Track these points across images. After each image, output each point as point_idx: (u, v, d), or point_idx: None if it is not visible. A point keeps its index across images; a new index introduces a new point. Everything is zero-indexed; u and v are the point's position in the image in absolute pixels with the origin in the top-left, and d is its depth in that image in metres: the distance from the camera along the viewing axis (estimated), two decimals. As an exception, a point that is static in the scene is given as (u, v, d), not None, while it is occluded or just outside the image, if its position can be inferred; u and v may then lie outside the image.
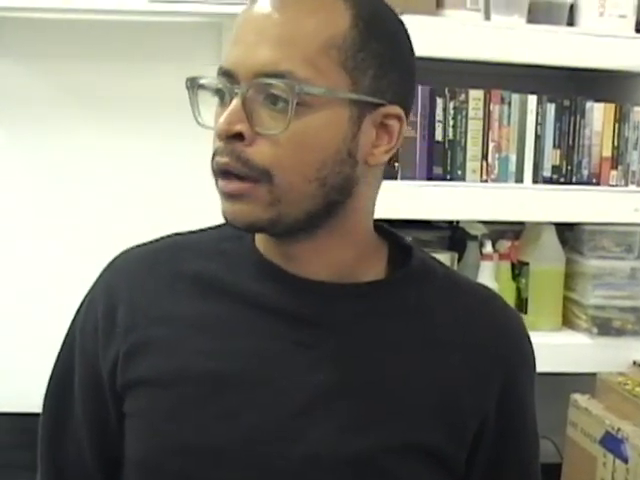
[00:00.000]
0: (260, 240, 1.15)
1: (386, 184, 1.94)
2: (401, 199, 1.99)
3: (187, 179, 2.19)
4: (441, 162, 2.02)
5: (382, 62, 1.07)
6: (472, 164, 2.03)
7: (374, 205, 1.18)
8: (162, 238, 1.23)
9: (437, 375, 1.12)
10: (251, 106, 1.03)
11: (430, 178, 2.02)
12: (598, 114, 2.08)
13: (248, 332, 1.11)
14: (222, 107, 1.06)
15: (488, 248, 2.11)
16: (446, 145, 2.02)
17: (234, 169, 1.04)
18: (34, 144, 2.22)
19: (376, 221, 1.20)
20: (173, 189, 2.25)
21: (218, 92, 1.07)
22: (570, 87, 2.21)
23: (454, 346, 1.14)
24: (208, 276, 1.15)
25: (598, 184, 2.10)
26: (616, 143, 2.09)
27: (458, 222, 2.25)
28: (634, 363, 2.09)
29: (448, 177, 2.03)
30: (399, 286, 1.15)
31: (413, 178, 2.01)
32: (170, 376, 1.10)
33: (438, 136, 2.01)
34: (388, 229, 1.23)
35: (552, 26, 2.06)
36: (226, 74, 1.05)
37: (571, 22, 2.11)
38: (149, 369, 1.11)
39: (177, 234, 1.23)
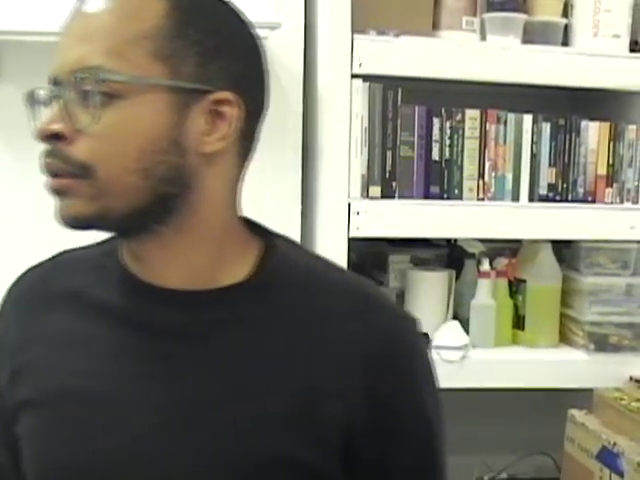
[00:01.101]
0: (124, 251, 1.14)
1: (384, 203, 2.01)
2: (399, 218, 2.02)
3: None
4: (438, 181, 2.05)
5: (205, 49, 1.06)
6: (469, 183, 2.06)
7: (234, 199, 1.15)
8: (54, 256, 1.24)
9: (300, 380, 1.08)
10: (71, 106, 1.04)
11: (427, 197, 2.04)
12: (593, 132, 2.11)
13: (113, 349, 1.11)
14: None
15: (485, 266, 2.14)
16: (443, 164, 2.05)
17: (56, 168, 1.05)
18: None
19: (251, 221, 1.19)
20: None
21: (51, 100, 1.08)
22: (565, 106, 2.23)
23: (317, 347, 1.10)
24: (83, 293, 1.15)
25: (594, 202, 2.12)
26: (611, 161, 2.12)
27: (456, 240, 2.27)
28: (630, 379, 2.10)
29: (445, 196, 2.05)
30: (259, 288, 1.12)
31: (410, 197, 2.03)
32: (47, 396, 1.11)
33: (435, 155, 2.04)
34: (261, 226, 1.20)
35: (547, 46, 2.08)
36: (53, 81, 1.07)
37: (566, 42, 2.13)
38: (31, 390, 1.13)
39: (67, 251, 1.24)
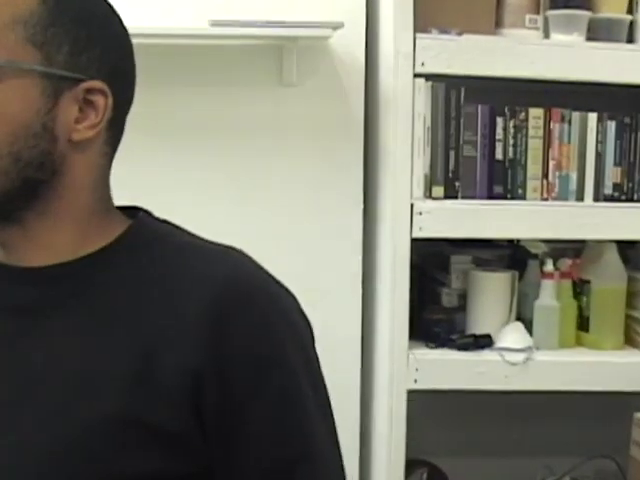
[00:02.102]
0: None
1: (447, 203, 1.99)
2: (462, 218, 2.00)
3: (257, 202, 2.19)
4: (502, 181, 2.03)
5: (77, 39, 1.07)
6: (533, 183, 2.04)
7: (102, 184, 1.13)
8: None
9: (134, 341, 1.05)
10: None
11: (491, 197, 2.03)
12: (659, 131, 2.08)
13: None
14: None
15: (549, 266, 2.11)
16: (506, 164, 2.03)
17: None
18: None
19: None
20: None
21: None
22: (631, 104, 2.20)
23: (161, 304, 1.07)
24: None
25: (660, 201, 2.09)
26: (678, 160, 2.08)
27: (519, 241, 2.24)
28: (698, 381, 2.07)
29: (509, 196, 2.03)
30: (110, 257, 1.11)
31: (474, 197, 2.02)
32: None
33: (498, 155, 2.02)
34: (146, 213, 1.17)
35: (612, 43, 2.05)
36: None
37: (631, 39, 2.10)
38: None
39: None
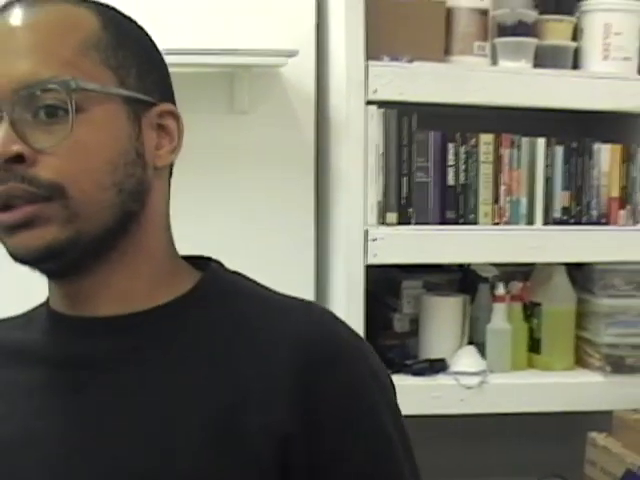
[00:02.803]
0: (53, 293, 1.08)
1: (401, 229, 2.00)
2: (416, 244, 2.01)
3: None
4: (454, 206, 2.05)
5: (142, 61, 1.04)
6: (484, 207, 2.06)
7: (169, 224, 1.10)
8: None
9: (217, 396, 0.99)
10: (22, 126, 0.96)
11: (443, 222, 2.04)
12: (605, 155, 2.12)
13: (31, 390, 1.04)
14: None
15: (500, 290, 2.13)
16: (458, 189, 2.05)
17: (20, 192, 0.95)
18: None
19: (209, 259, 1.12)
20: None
21: None
22: (577, 129, 2.24)
23: (242, 362, 1.01)
24: (9, 343, 1.09)
25: (607, 224, 2.13)
26: (624, 183, 2.13)
27: (469, 264, 2.27)
28: (648, 400, 2.11)
29: (461, 221, 2.05)
30: (184, 309, 1.05)
31: (427, 223, 2.03)
32: None
33: (450, 180, 2.04)
34: (207, 260, 1.12)
35: (558, 70, 2.09)
36: None
37: (576, 65, 2.15)
38: None
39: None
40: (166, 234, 1.08)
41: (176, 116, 1.06)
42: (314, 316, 1.07)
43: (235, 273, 1.12)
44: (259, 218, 2.13)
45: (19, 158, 0.95)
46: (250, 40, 2.02)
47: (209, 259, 1.12)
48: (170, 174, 1.10)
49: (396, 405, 1.08)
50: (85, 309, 1.04)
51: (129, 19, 1.08)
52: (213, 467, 0.97)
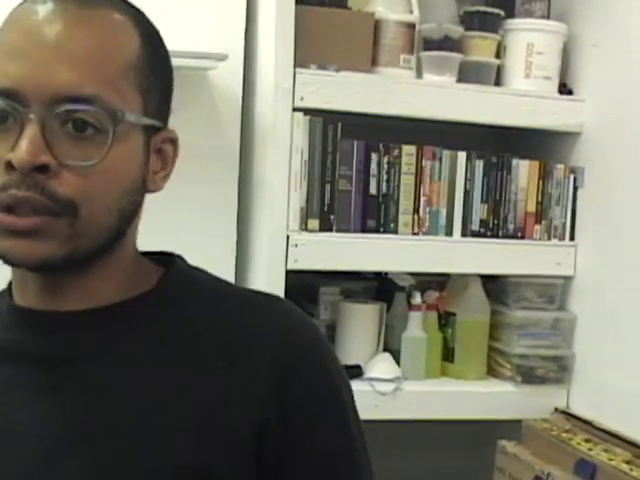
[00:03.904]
0: (17, 285, 1.06)
1: (322, 236, 2.02)
2: (337, 251, 2.04)
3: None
4: (375, 215, 2.07)
5: (164, 86, 1.04)
6: (404, 217, 2.09)
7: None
8: None
9: (195, 392, 1.01)
10: (50, 135, 0.94)
11: (364, 230, 2.07)
12: (523, 171, 2.17)
13: (3, 386, 1.03)
14: (3, 132, 0.96)
15: (417, 299, 2.17)
16: (380, 199, 2.07)
17: (36, 202, 0.94)
18: None
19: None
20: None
21: None
22: (497, 144, 2.29)
23: (219, 355, 1.03)
24: None
25: (523, 238, 2.18)
26: (540, 199, 2.18)
27: (386, 273, 2.30)
28: (556, 410, 2.16)
29: (381, 229, 2.08)
30: (155, 303, 1.06)
31: (348, 230, 2.05)
32: None
33: (372, 190, 2.07)
34: (169, 256, 1.14)
35: (481, 86, 2.14)
36: (8, 93, 0.94)
37: (498, 82, 2.20)
38: None
39: None
40: (135, 240, 1.10)
41: (175, 142, 1.06)
42: (283, 308, 1.11)
43: (196, 268, 1.14)
44: (180, 221, 2.12)
45: (43, 168, 0.94)
46: (177, 42, 2.00)
47: (171, 254, 1.14)
48: None
49: (354, 402, 1.13)
50: (54, 304, 1.03)
51: (157, 31, 1.07)
52: (195, 464, 0.98)
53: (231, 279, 2.14)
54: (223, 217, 2.13)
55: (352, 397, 1.12)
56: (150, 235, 2.07)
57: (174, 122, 2.06)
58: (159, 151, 1.05)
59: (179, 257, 1.14)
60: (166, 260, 1.12)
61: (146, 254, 1.12)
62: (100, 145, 0.96)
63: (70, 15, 0.97)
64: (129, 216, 1.03)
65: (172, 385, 1.01)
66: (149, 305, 1.06)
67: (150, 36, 1.04)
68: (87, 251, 0.99)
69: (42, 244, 0.96)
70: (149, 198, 2.12)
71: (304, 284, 2.26)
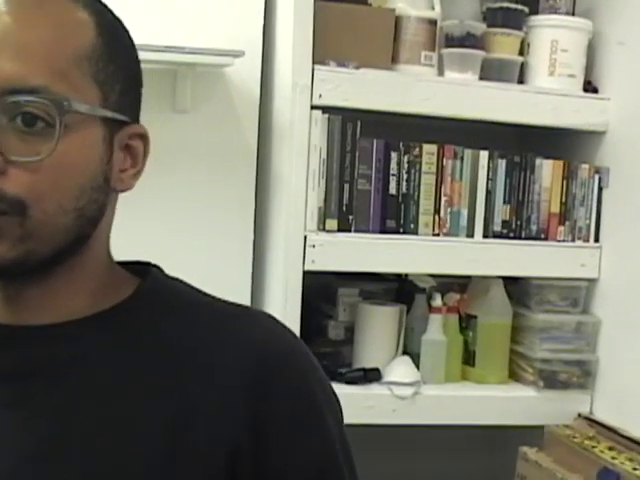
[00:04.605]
0: None
1: (340, 236, 1.98)
2: (355, 252, 2.00)
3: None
4: (394, 215, 2.03)
5: (126, 77, 0.98)
6: (424, 218, 2.05)
7: (109, 232, 1.04)
8: None
9: (164, 409, 0.95)
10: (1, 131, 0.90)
11: (384, 231, 2.03)
12: (547, 170, 2.12)
13: None
14: None
15: (437, 301, 2.13)
16: (400, 199, 2.03)
17: None
18: None
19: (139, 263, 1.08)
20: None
21: None
22: (520, 143, 2.25)
23: (190, 370, 0.97)
24: None
25: (546, 239, 2.13)
26: (564, 199, 2.13)
27: (406, 274, 2.26)
28: (579, 415, 2.11)
29: (401, 230, 2.04)
30: (126, 316, 1.00)
31: (367, 231, 2.01)
32: None
33: (392, 189, 2.03)
34: (146, 266, 1.08)
35: (504, 83, 2.09)
36: None
37: (522, 80, 2.15)
38: None
39: None
40: (107, 247, 1.04)
41: (145, 138, 1.00)
42: (259, 323, 1.04)
43: (174, 279, 1.08)
44: (197, 220, 2.09)
45: None
46: (195, 39, 1.99)
47: (148, 264, 1.08)
48: None
49: (343, 428, 1.04)
50: (23, 318, 0.99)
51: (119, 21, 1.00)
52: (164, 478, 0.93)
53: (248, 280, 2.12)
54: (240, 216, 2.11)
55: (338, 421, 1.03)
56: (165, 235, 2.07)
57: (190, 119, 2.06)
58: (127, 147, 0.99)
59: (156, 267, 1.08)
60: (143, 270, 1.06)
61: (122, 264, 1.06)
62: (49, 138, 0.90)
63: (18, 4, 0.93)
64: (91, 217, 0.96)
65: (141, 402, 0.96)
66: (121, 318, 1.00)
67: (109, 26, 0.97)
68: (43, 255, 0.93)
69: None
70: (164, 197, 2.10)
71: (323, 285, 2.23)
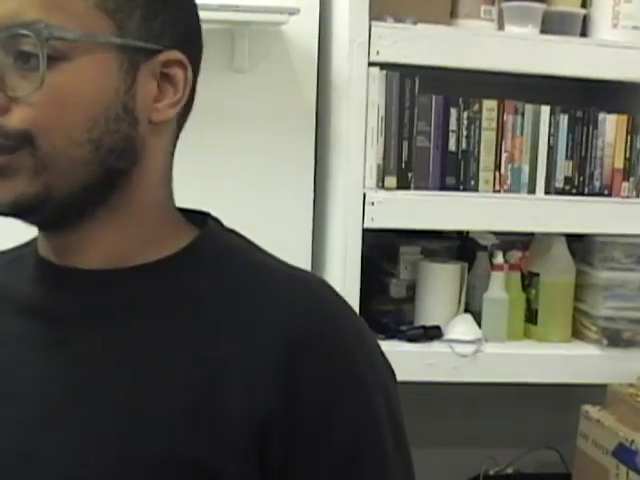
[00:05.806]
0: (42, 239, 1.02)
1: (399, 194, 1.97)
2: (414, 209, 1.98)
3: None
4: (454, 172, 2.01)
5: (150, 1, 0.95)
6: (485, 174, 2.03)
7: (170, 175, 1.03)
8: None
9: (196, 370, 0.94)
10: (2, 69, 0.90)
11: (443, 188, 2.01)
12: (610, 125, 2.08)
13: (11, 340, 1.00)
14: None
15: (499, 259, 2.11)
16: (459, 155, 2.01)
17: None
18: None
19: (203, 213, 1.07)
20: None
21: None
22: (583, 98, 2.21)
23: (223, 334, 0.95)
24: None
25: (610, 195, 2.09)
26: (628, 155, 2.09)
27: (467, 232, 2.24)
28: (643, 374, 2.09)
29: (461, 187, 2.02)
30: (175, 269, 0.99)
31: (426, 188, 2.00)
32: None
33: (452, 146, 2.01)
34: (205, 216, 1.06)
35: (565, 37, 2.05)
36: None
37: (584, 33, 2.11)
38: None
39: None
40: (164, 190, 1.02)
41: (184, 65, 0.97)
42: (310, 287, 1.02)
43: (231, 232, 1.07)
44: (257, 178, 2.10)
45: None
46: (252, -3, 1.98)
47: (208, 214, 1.07)
48: (180, 127, 1.03)
49: (392, 400, 1.00)
50: (72, 261, 0.99)
51: None
52: (189, 450, 0.92)
53: (308, 237, 2.13)
54: (300, 175, 2.11)
55: (390, 400, 0.99)
56: (227, 192, 2.08)
57: (248, 78, 2.06)
58: (164, 76, 0.96)
59: (214, 218, 1.07)
60: (202, 221, 1.05)
61: (183, 211, 1.06)
62: (41, 73, 0.90)
63: None
64: (114, 149, 0.94)
65: (178, 354, 0.95)
66: (171, 270, 1.00)
67: None
68: (69, 189, 0.93)
69: (9, 183, 0.92)
70: (223, 156, 2.10)
71: (384, 243, 2.22)
